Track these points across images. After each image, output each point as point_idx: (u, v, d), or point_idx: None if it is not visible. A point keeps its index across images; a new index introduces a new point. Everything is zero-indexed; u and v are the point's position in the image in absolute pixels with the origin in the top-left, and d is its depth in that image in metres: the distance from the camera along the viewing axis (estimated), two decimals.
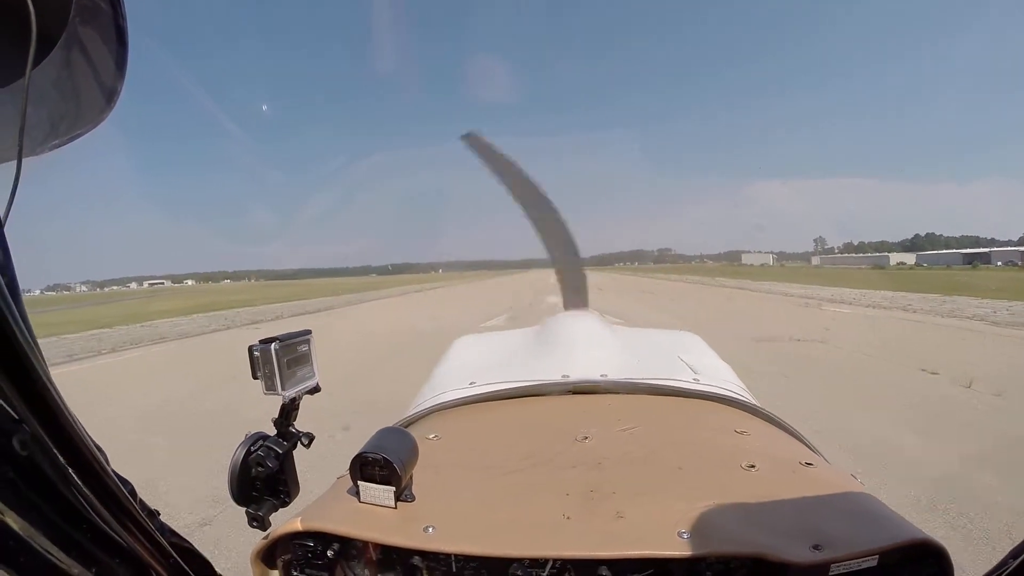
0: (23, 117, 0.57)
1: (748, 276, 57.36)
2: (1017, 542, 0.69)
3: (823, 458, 1.19)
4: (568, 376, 1.62)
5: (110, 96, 0.70)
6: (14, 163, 0.59)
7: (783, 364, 8.59)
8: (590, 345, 1.99)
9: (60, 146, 0.68)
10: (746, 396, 1.60)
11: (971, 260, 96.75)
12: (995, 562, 0.72)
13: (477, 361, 2.06)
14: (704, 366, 1.84)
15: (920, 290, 25.12)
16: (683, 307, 21.26)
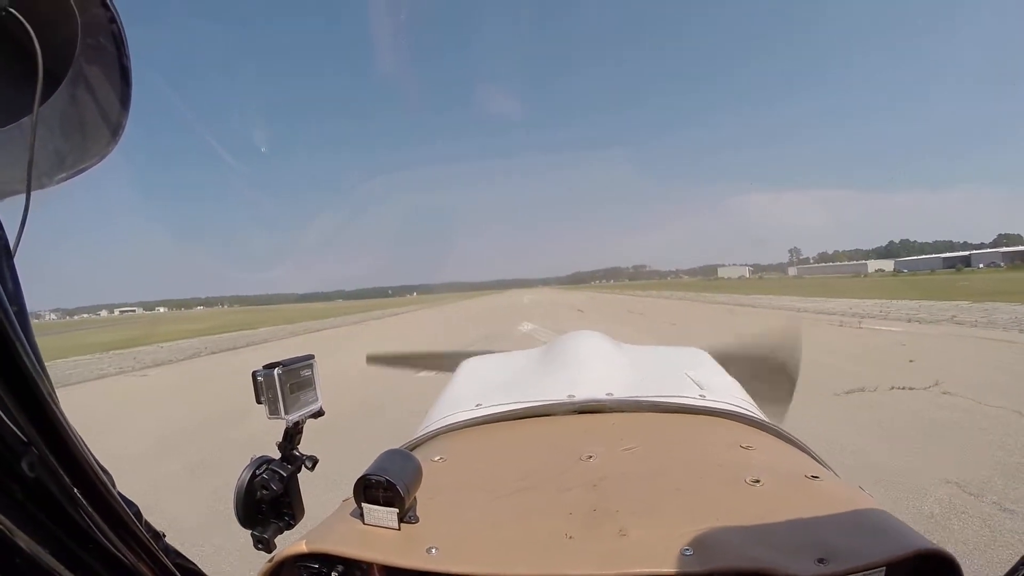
0: (32, 151, 0.60)
1: (734, 290, 53.36)
2: None
3: (831, 471, 1.18)
4: (574, 396, 1.61)
5: (115, 131, 0.72)
6: (23, 196, 0.61)
7: (944, 452, 4.90)
8: (596, 364, 1.99)
9: (67, 179, 0.70)
10: (752, 411, 1.60)
11: (952, 264, 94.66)
12: (1006, 569, 0.71)
13: (483, 383, 2.06)
14: (710, 382, 1.83)
15: (942, 297, 22.94)
16: (693, 333, 16.02)
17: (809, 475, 1.03)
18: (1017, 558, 0.65)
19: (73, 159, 0.71)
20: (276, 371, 0.87)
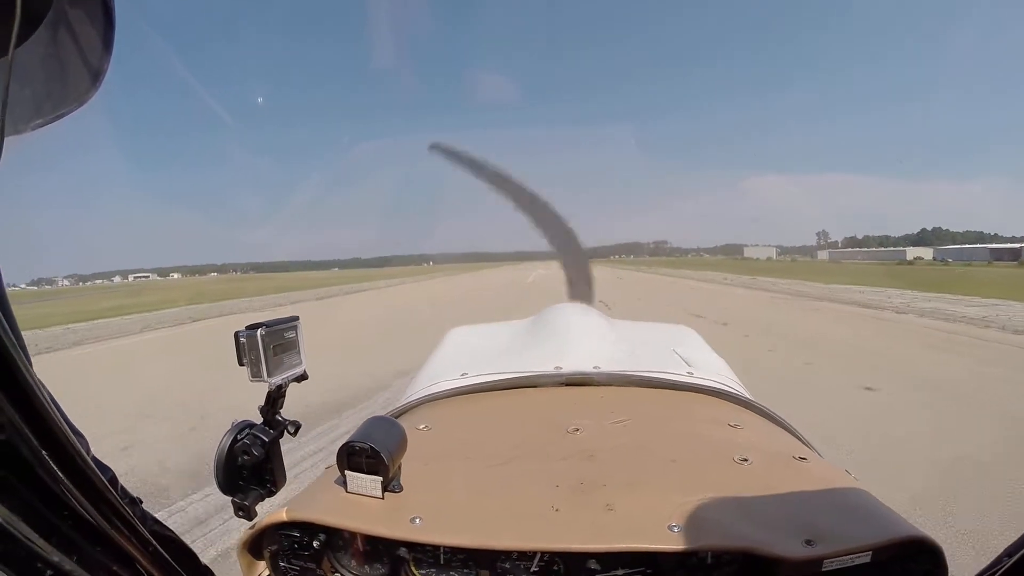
0: (6, 94, 0.56)
1: (783, 273, 39.88)
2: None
3: (817, 453, 1.18)
4: (561, 367, 1.62)
5: (96, 76, 0.68)
6: None
7: None
8: (584, 337, 1.99)
9: (44, 125, 0.67)
10: (740, 390, 1.60)
11: (999, 256, 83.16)
12: (989, 560, 0.69)
13: (470, 352, 2.05)
14: (698, 359, 1.84)
15: None
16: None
17: (797, 456, 1.03)
18: None
19: (52, 104, 0.67)
20: (259, 332, 0.84)
